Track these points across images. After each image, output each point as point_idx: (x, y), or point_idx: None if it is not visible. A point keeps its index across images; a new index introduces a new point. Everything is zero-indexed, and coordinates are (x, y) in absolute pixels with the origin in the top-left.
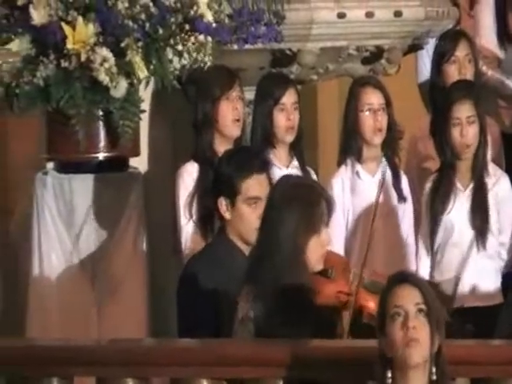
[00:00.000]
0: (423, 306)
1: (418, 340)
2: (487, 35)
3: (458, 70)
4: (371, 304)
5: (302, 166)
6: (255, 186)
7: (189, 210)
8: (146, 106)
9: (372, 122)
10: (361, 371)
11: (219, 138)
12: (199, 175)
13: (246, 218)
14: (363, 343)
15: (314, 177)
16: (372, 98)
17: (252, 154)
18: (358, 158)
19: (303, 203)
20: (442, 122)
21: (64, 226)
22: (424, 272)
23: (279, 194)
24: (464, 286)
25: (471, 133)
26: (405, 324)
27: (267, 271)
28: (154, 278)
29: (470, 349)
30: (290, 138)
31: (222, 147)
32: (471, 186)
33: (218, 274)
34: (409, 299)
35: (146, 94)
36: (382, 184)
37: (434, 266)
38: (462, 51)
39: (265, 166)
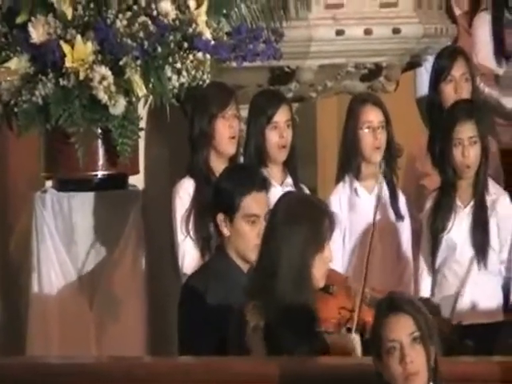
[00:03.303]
0: (417, 334)
1: (417, 373)
2: (484, 52)
3: (454, 88)
4: (371, 320)
5: (296, 184)
6: (254, 204)
7: (186, 226)
8: (143, 123)
9: (371, 140)
10: None
11: (215, 155)
12: (195, 191)
13: (245, 235)
14: (365, 360)
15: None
16: (371, 115)
17: (252, 171)
18: (357, 176)
19: (308, 220)
20: (443, 142)
21: (63, 245)
22: (425, 290)
23: (283, 210)
24: (465, 304)
25: (473, 153)
26: (402, 359)
27: (273, 288)
28: (154, 295)
29: (470, 365)
30: (282, 155)
31: (217, 164)
32: (471, 203)
33: (217, 291)
34: (402, 331)
35: (143, 111)
36: (378, 203)
37: (434, 283)
38: (458, 70)
39: (264, 184)
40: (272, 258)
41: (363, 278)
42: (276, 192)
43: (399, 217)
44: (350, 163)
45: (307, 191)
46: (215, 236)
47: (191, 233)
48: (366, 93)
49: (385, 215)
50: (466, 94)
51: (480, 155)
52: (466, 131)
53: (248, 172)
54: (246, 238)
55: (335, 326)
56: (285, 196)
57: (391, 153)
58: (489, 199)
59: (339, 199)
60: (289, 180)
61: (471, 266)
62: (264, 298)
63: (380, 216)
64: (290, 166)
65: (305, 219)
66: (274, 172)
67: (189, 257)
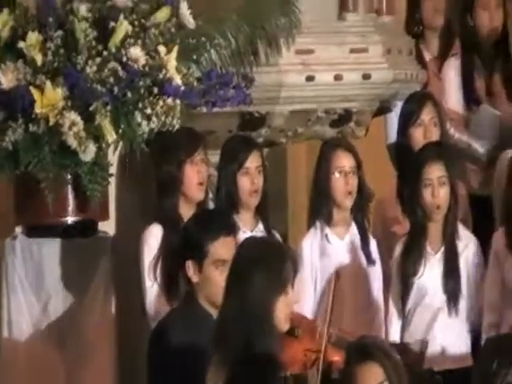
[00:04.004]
0: (386, 383)
1: None
2: (454, 97)
3: (423, 133)
4: (339, 359)
5: (267, 230)
6: (223, 249)
7: (153, 272)
8: (113, 169)
9: (343, 185)
10: None
11: (183, 201)
12: (163, 237)
13: (214, 280)
14: None
15: (279, 240)
16: (343, 160)
17: (219, 215)
18: (328, 221)
19: (270, 263)
20: (412, 183)
21: (33, 292)
22: (395, 334)
23: (245, 255)
24: (435, 349)
25: (442, 193)
26: None
27: (236, 334)
28: (124, 340)
29: None
30: (254, 201)
31: (185, 209)
32: (442, 249)
33: (187, 338)
34: (372, 380)
35: (113, 157)
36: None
37: (404, 328)
38: (427, 114)
39: (232, 229)
40: (235, 303)
41: (328, 319)
42: (245, 237)
43: (370, 261)
44: (321, 208)
45: (278, 237)
46: (183, 282)
47: (158, 279)
48: (338, 138)
49: (356, 260)
50: (435, 138)
51: (449, 196)
52: (435, 171)
53: (215, 217)
54: (215, 283)
55: (301, 369)
56: (247, 240)
57: (363, 197)
58: (459, 245)
59: (311, 245)
60: (260, 226)
61: (441, 311)
62: (228, 346)
63: (351, 260)
64: (261, 212)
65: (266, 263)
66: (245, 218)
67: (156, 302)
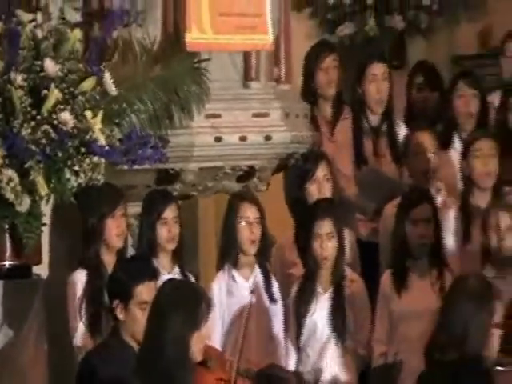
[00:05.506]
0: None
1: None
2: (345, 157)
3: (317, 188)
4: None
5: (183, 272)
6: (146, 292)
7: (79, 311)
8: (46, 219)
9: (248, 234)
10: None
11: (105, 249)
12: (87, 281)
13: (138, 319)
14: None
15: (193, 280)
16: (248, 212)
17: (144, 263)
18: (235, 265)
19: (187, 305)
20: (305, 235)
21: None
22: (291, 365)
23: (165, 295)
24: (326, 377)
25: (330, 247)
26: None
27: (157, 366)
28: (55, 372)
29: None
30: (171, 247)
31: (107, 256)
32: (331, 289)
33: (112, 371)
34: None
35: (46, 208)
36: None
37: (300, 359)
38: (321, 172)
39: (154, 274)
40: (155, 338)
41: (239, 352)
42: (164, 279)
43: (273, 300)
44: (228, 253)
45: (192, 278)
46: (105, 319)
47: (83, 318)
48: (244, 191)
49: (260, 298)
50: (328, 193)
51: (337, 248)
52: (324, 227)
53: (140, 264)
54: (139, 322)
55: None
56: (167, 282)
57: (265, 244)
58: (346, 285)
59: (219, 285)
60: (176, 269)
61: (331, 345)
62: (148, 374)
63: (256, 299)
64: (177, 257)
65: (184, 304)
66: (163, 262)
67: (82, 338)
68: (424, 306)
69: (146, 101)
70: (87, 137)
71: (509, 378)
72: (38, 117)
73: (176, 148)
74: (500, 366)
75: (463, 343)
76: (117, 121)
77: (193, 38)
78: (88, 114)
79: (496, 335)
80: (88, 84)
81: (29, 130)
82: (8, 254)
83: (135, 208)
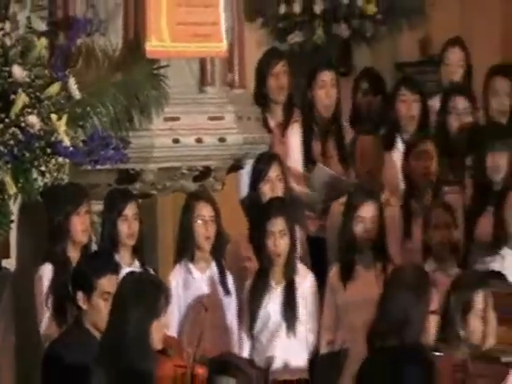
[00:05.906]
0: None
1: None
2: (295, 158)
3: (270, 188)
4: (202, 371)
5: (142, 265)
6: (109, 284)
7: (46, 303)
8: (14, 216)
9: (203, 231)
10: None
11: (70, 244)
12: (54, 275)
13: (101, 309)
14: None
15: (153, 273)
16: (203, 210)
17: (107, 258)
18: (191, 259)
19: (147, 295)
20: (259, 234)
21: None
22: (245, 353)
23: (126, 287)
24: (277, 364)
25: (282, 244)
26: None
27: (118, 352)
28: (22, 361)
29: None
30: (131, 242)
31: (72, 251)
32: (283, 284)
33: (74, 357)
34: None
35: (14, 206)
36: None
37: (253, 347)
38: (274, 172)
39: (117, 268)
40: (117, 327)
41: (197, 340)
42: (125, 272)
43: (227, 292)
44: (185, 249)
45: (151, 271)
46: (70, 310)
47: (50, 308)
48: (201, 191)
49: (215, 292)
50: (279, 191)
51: (289, 244)
52: (277, 225)
53: (103, 258)
54: (101, 311)
55: (172, 381)
56: (128, 275)
57: (220, 240)
58: (298, 279)
59: (176, 278)
60: (136, 263)
61: (283, 334)
62: (110, 361)
63: (211, 292)
64: (137, 251)
65: (144, 295)
66: (124, 256)
67: (49, 327)
68: (369, 296)
69: (107, 104)
70: (53, 138)
71: (446, 362)
72: (7, 120)
73: (136, 149)
74: (436, 351)
75: (402, 330)
76: (80, 123)
77: (152, 45)
78: (53, 116)
79: (432, 322)
80: (54, 89)
81: None
82: None
83: (98, 206)
